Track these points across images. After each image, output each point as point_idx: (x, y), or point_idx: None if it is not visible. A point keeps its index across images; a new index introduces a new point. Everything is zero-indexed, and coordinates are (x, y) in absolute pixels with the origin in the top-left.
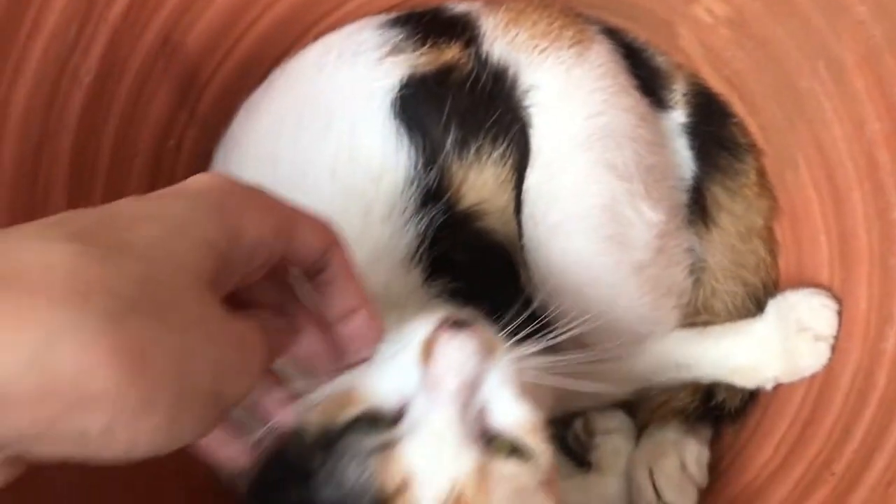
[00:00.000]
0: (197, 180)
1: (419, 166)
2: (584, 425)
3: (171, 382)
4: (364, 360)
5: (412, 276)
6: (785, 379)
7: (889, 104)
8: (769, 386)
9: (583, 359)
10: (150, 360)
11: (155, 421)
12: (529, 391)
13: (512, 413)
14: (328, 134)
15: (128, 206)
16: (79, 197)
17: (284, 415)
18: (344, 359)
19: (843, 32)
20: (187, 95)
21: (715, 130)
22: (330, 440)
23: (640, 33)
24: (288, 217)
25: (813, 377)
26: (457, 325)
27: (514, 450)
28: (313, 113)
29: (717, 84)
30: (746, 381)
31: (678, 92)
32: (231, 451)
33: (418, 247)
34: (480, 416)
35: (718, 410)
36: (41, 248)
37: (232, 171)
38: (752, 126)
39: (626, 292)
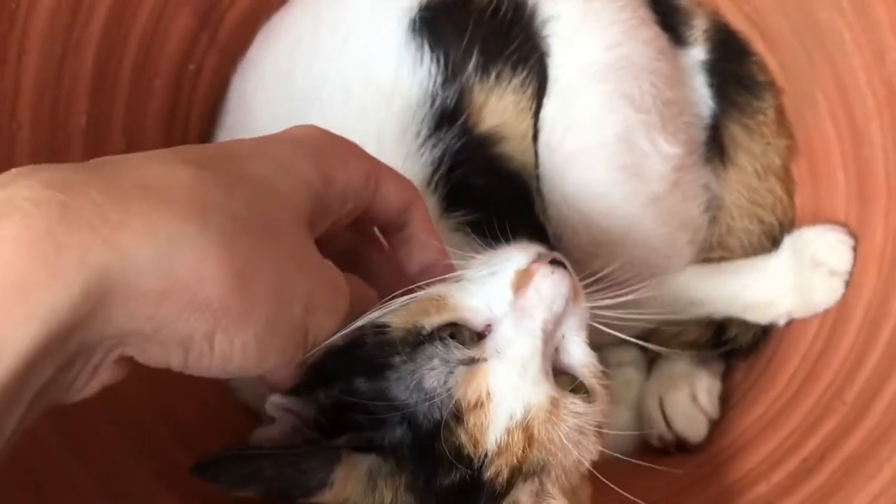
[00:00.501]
0: (297, 129)
1: (437, 84)
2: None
3: (266, 303)
4: None
5: (430, 204)
6: (798, 314)
7: None
8: (782, 322)
9: (621, 299)
10: (251, 278)
11: (249, 335)
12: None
13: (579, 355)
14: (344, 53)
15: (239, 145)
16: (100, 111)
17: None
18: None
19: None
20: (208, 19)
21: (734, 68)
22: (417, 341)
23: None
24: (375, 169)
25: (826, 312)
26: (554, 262)
27: (574, 390)
28: (330, 32)
29: (737, 21)
30: (759, 316)
31: (698, 28)
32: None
33: (434, 172)
34: (555, 354)
35: (731, 345)
36: (166, 169)
37: (248, 90)
38: (772, 64)
39: (642, 223)
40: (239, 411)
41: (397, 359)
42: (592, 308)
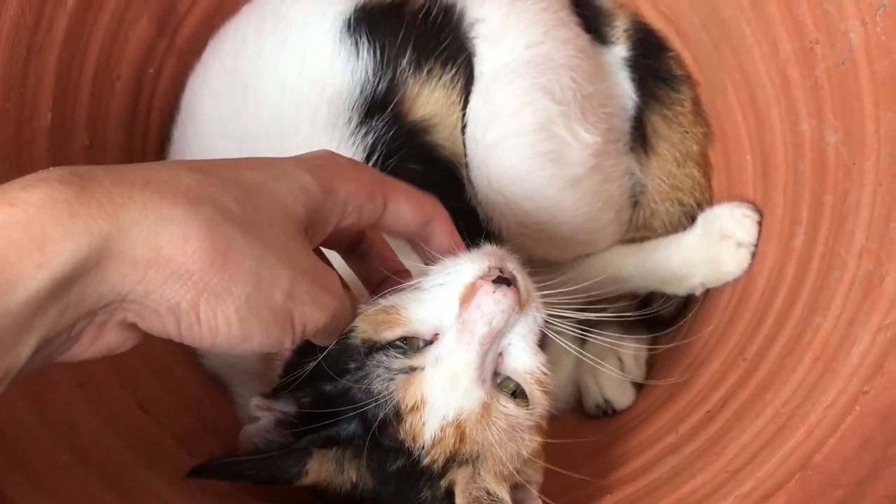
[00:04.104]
0: (307, 152)
1: (368, 73)
2: None
3: (245, 281)
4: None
5: None
6: (711, 284)
7: (797, 24)
8: (698, 292)
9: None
10: (231, 258)
11: (230, 309)
12: None
13: (523, 362)
14: (282, 50)
15: (244, 159)
16: (63, 109)
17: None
18: None
19: None
20: (166, 26)
21: (654, 64)
22: (369, 349)
23: None
24: (383, 186)
25: (736, 282)
26: (498, 281)
27: (518, 391)
28: (271, 33)
29: (655, 20)
30: (677, 288)
31: (619, 28)
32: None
33: (368, 158)
34: (499, 358)
35: (655, 316)
36: (170, 171)
37: (197, 88)
38: (687, 58)
39: (563, 203)
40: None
41: (353, 364)
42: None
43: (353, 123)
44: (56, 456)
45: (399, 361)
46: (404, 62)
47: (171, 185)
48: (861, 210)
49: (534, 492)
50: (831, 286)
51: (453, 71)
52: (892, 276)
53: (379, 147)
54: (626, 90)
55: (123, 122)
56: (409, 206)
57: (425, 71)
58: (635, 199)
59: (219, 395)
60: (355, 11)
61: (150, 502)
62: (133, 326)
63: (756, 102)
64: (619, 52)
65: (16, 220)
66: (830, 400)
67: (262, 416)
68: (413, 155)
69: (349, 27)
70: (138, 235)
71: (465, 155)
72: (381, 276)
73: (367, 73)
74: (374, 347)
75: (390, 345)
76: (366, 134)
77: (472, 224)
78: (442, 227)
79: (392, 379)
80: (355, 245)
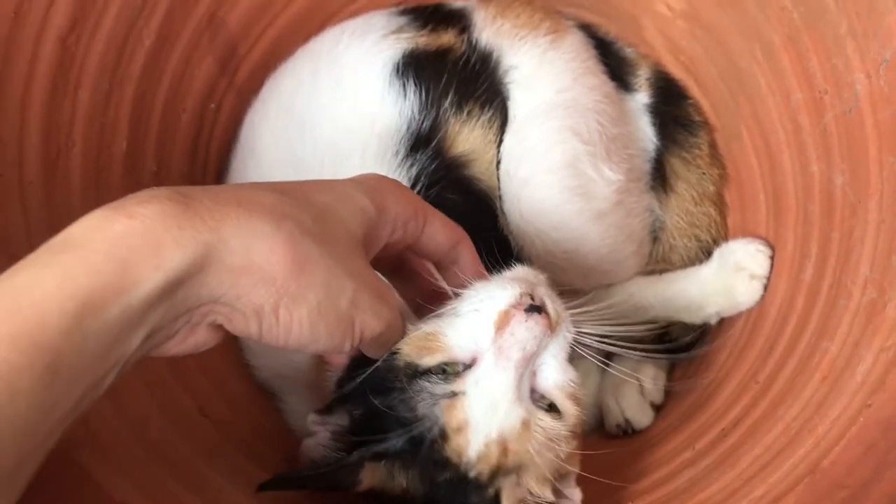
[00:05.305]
0: (362, 174)
1: (414, 112)
2: None
3: (317, 289)
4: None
5: None
6: (725, 313)
7: (807, 76)
8: (713, 321)
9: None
10: (307, 267)
11: (303, 312)
12: None
13: (555, 378)
14: (336, 91)
15: (313, 182)
16: (137, 137)
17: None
18: None
19: (772, 17)
20: (227, 66)
21: (673, 110)
22: (413, 373)
23: (610, 28)
24: (423, 208)
25: (749, 312)
26: (530, 309)
27: (553, 405)
28: (326, 76)
29: (676, 70)
30: (693, 317)
31: (643, 77)
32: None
33: (413, 187)
34: (533, 376)
35: (673, 344)
36: (257, 192)
37: (256, 123)
38: (705, 105)
39: (589, 235)
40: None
41: (397, 384)
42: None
43: (400, 156)
44: (132, 447)
45: (441, 387)
46: (447, 103)
47: (258, 203)
48: (865, 245)
49: (572, 482)
50: (838, 313)
51: (490, 112)
52: (893, 303)
53: (422, 178)
54: (647, 134)
55: (187, 151)
56: (442, 228)
57: (465, 112)
58: (655, 235)
59: (266, 405)
60: (403, 57)
61: (213, 496)
62: (219, 328)
63: (769, 147)
64: (641, 98)
65: (135, 230)
66: (837, 413)
67: (317, 430)
68: (452, 186)
69: (398, 70)
70: (234, 246)
71: (500, 188)
72: (421, 294)
73: (413, 111)
74: (418, 371)
75: (431, 371)
76: (411, 166)
77: (505, 251)
78: (468, 250)
79: (436, 403)
80: (398, 267)
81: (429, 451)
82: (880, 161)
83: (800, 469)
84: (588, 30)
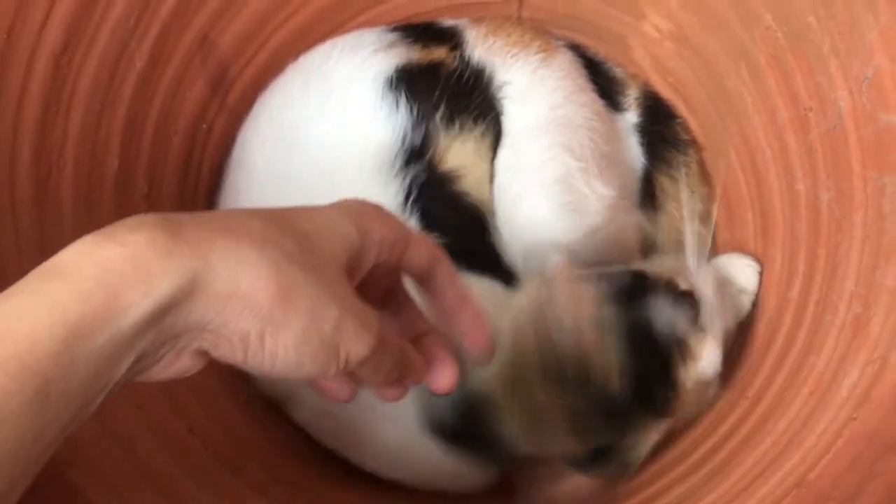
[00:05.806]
0: (345, 200)
1: (407, 127)
2: None
3: (302, 316)
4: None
5: (409, 225)
6: None
7: (792, 94)
8: None
9: None
10: (292, 294)
11: (288, 339)
12: None
13: None
14: (326, 105)
15: (297, 209)
16: (128, 157)
17: None
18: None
19: (757, 37)
20: (219, 87)
21: (662, 129)
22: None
23: (599, 48)
24: (404, 232)
25: (737, 328)
26: None
27: None
28: (317, 86)
29: (664, 90)
30: None
31: (631, 97)
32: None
33: (406, 198)
34: None
35: None
36: (243, 219)
37: (247, 141)
38: (693, 124)
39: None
40: None
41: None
42: None
43: (395, 169)
44: (122, 465)
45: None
46: (438, 117)
47: (245, 230)
48: (851, 260)
49: None
50: (824, 329)
51: (483, 127)
52: (877, 318)
53: (414, 191)
54: (636, 152)
55: (178, 172)
56: (423, 247)
57: (457, 126)
58: (645, 251)
59: (255, 424)
60: (396, 71)
61: None
62: (203, 353)
63: (756, 165)
64: (630, 117)
65: (126, 257)
66: (823, 427)
67: None
68: (444, 200)
69: (391, 84)
70: (221, 272)
71: (493, 203)
72: (410, 333)
73: (406, 125)
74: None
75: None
76: (403, 178)
77: (496, 265)
78: (446, 267)
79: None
80: (387, 299)
81: None
82: (864, 177)
83: (787, 482)
84: (577, 50)
